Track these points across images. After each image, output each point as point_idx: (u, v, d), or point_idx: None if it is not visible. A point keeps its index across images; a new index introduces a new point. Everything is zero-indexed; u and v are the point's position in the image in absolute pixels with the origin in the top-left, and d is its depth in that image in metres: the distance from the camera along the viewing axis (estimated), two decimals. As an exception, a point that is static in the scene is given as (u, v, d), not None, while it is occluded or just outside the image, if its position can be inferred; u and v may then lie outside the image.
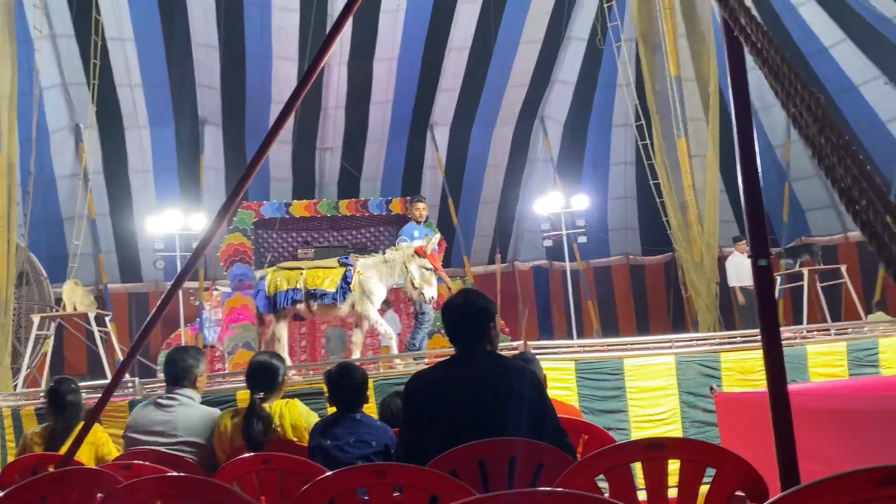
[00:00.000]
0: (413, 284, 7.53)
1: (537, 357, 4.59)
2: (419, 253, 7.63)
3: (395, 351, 7.89)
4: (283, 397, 3.96)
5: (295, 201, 15.88)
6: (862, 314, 12.04)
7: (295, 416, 3.75)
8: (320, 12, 14.63)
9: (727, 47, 2.39)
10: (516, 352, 5.99)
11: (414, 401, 2.88)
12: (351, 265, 7.74)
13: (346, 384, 3.54)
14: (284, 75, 15.41)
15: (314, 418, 3.74)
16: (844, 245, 16.55)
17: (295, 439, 3.69)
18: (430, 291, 7.57)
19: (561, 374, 6.42)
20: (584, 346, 7.37)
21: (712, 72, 12.37)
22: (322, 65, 3.08)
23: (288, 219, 15.54)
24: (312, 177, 17.43)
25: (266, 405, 3.79)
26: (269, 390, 3.85)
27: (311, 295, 7.61)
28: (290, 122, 15.79)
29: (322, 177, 17.49)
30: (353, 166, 17.32)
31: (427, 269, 7.58)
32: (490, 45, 16.17)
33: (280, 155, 16.59)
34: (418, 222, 8.60)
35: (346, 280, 7.59)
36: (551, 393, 4.86)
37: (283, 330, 7.86)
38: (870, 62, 15.48)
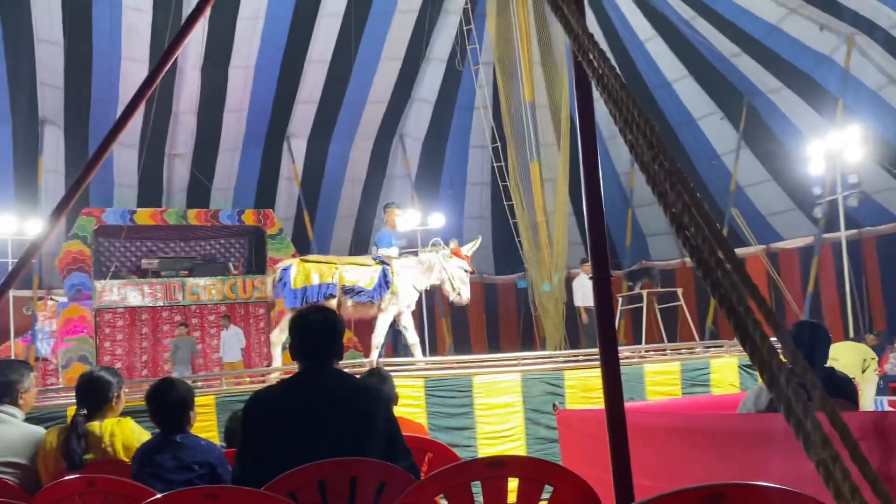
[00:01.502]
0: (452, 285, 7.73)
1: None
2: (456, 254, 7.80)
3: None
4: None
5: (140, 209, 15.19)
6: (696, 335, 12.74)
7: (126, 435, 3.54)
8: (175, 14, 14.14)
9: (575, 76, 2.47)
10: (366, 368, 5.93)
11: (254, 419, 2.77)
12: (387, 264, 7.70)
13: (165, 403, 3.32)
14: (134, 77, 14.75)
15: (147, 437, 3.54)
16: (681, 269, 17.53)
17: (126, 460, 3.49)
18: (467, 293, 7.84)
19: (410, 392, 6.42)
20: (434, 364, 7.42)
21: (564, 100, 12.83)
22: (168, 66, 2.96)
23: (132, 227, 14.84)
24: (160, 184, 16.76)
25: (96, 423, 3.57)
26: (98, 407, 3.62)
27: (348, 291, 7.49)
28: (137, 126, 15.25)
29: (170, 184, 16.86)
30: (204, 175, 16.78)
31: (466, 270, 7.82)
32: (350, 59, 16.14)
33: (125, 160, 15.84)
34: (393, 228, 8.64)
35: (385, 279, 7.55)
36: (401, 410, 4.85)
37: None
38: (708, 98, 16.56)
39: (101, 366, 4.50)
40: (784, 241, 16.97)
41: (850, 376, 7.18)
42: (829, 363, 6.53)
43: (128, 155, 15.84)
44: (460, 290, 7.78)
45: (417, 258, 8.00)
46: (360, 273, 7.59)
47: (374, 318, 7.76)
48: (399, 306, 7.70)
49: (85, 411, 3.58)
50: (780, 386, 1.18)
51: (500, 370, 7.05)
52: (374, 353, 7.62)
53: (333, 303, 7.51)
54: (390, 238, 8.46)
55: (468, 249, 8.00)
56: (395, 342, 8.77)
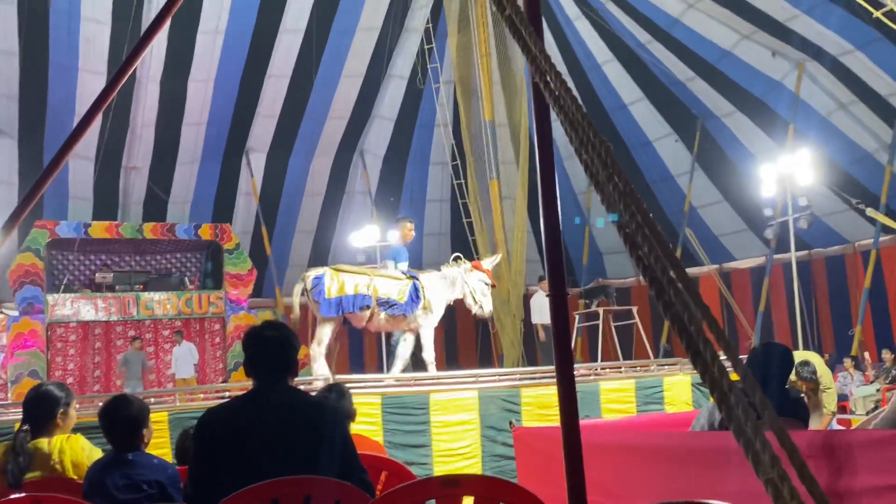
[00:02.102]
0: (474, 298, 7.94)
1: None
2: (476, 268, 7.99)
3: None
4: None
5: (95, 222, 14.94)
6: (651, 353, 12.87)
7: (76, 452, 3.46)
8: (134, 27, 13.97)
9: (534, 96, 2.50)
10: (325, 384, 5.88)
11: (207, 436, 2.73)
12: (416, 278, 7.79)
13: (118, 420, 3.25)
14: (91, 89, 14.52)
15: (98, 454, 3.47)
16: (637, 288, 17.71)
17: (76, 477, 3.41)
18: (488, 305, 8.10)
19: (367, 409, 6.38)
20: (391, 381, 7.39)
21: (523, 119, 12.96)
22: (126, 78, 2.93)
23: (86, 240, 14.59)
24: (116, 197, 16.49)
25: (44, 440, 3.49)
26: (43, 423, 3.53)
27: (382, 303, 7.52)
28: (93, 138, 15.02)
29: (126, 198, 16.58)
30: (161, 188, 16.55)
31: (487, 283, 8.02)
32: (311, 74, 16.09)
33: (81, 172, 15.55)
34: (405, 242, 8.73)
35: (416, 293, 7.64)
36: (358, 428, 4.82)
37: (328, 333, 7.49)
38: (663, 120, 16.83)
39: (51, 381, 4.40)
40: (736, 261, 17.27)
41: (821, 375, 7.32)
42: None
43: (83, 167, 15.56)
44: (482, 303, 7.99)
45: (441, 273, 8.10)
46: (393, 286, 7.66)
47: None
48: (436, 320, 7.88)
49: (27, 427, 3.50)
50: (730, 404, 1.20)
51: (456, 387, 7.05)
52: (432, 368, 7.85)
53: (367, 314, 7.56)
54: (406, 252, 8.57)
55: (489, 263, 8.24)
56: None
